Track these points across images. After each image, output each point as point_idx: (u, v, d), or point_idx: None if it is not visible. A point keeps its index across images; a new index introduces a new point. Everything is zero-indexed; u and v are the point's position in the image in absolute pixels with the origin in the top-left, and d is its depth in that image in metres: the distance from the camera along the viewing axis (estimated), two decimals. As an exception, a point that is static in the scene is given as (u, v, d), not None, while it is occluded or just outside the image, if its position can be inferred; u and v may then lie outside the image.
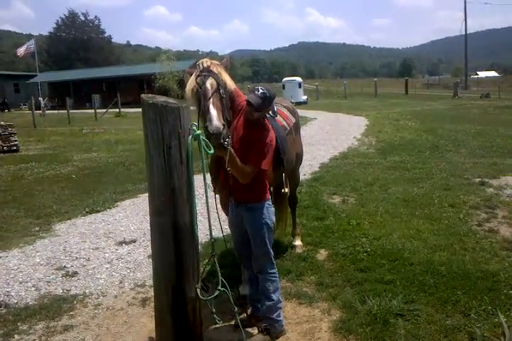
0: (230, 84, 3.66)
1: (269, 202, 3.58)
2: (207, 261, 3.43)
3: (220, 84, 3.40)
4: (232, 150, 3.17)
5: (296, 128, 5.14)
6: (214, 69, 3.47)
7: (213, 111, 3.19)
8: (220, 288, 3.04)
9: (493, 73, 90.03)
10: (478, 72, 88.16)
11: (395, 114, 23.73)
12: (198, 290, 2.97)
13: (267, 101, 3.37)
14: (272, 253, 3.64)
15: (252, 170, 3.33)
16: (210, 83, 3.35)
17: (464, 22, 56.88)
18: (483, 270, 4.53)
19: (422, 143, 13.54)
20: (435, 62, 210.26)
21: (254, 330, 3.73)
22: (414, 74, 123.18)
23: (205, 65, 3.49)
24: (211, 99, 3.27)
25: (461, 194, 7.46)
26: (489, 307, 3.80)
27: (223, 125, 3.14)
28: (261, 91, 3.36)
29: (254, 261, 3.66)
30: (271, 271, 3.64)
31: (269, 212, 3.56)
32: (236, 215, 3.66)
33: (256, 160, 3.34)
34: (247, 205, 3.55)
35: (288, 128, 4.61)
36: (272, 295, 3.62)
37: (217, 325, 3.71)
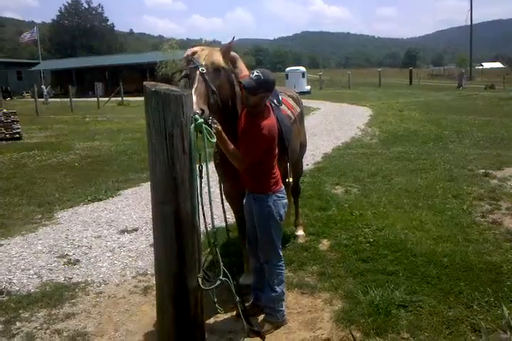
0: (242, 70, 3.62)
1: (278, 194, 3.51)
2: (208, 250, 3.42)
3: (208, 68, 3.30)
4: (222, 133, 3.16)
5: (301, 117, 5.10)
6: (202, 54, 3.36)
7: (194, 97, 3.13)
8: (221, 277, 3.03)
9: (497, 64, 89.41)
10: (482, 63, 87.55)
11: (399, 105, 23.61)
12: (200, 279, 2.95)
13: (261, 84, 3.24)
14: (279, 245, 3.62)
15: (242, 159, 3.29)
16: (196, 74, 3.28)
17: (469, 12, 56.45)
18: (487, 261, 4.51)
19: (426, 133, 13.47)
20: (440, 52, 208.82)
21: (256, 320, 3.73)
22: (418, 64, 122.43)
23: (189, 52, 3.42)
24: (195, 85, 3.22)
25: (464, 185, 7.42)
26: (492, 299, 3.79)
27: (201, 110, 3.10)
28: (255, 74, 3.26)
29: (260, 251, 3.65)
30: (277, 264, 3.63)
31: (277, 204, 3.49)
32: (247, 202, 3.65)
33: (243, 150, 3.30)
34: (254, 195, 3.53)
35: (293, 118, 4.57)
36: (276, 287, 3.61)
37: (218, 315, 3.72)
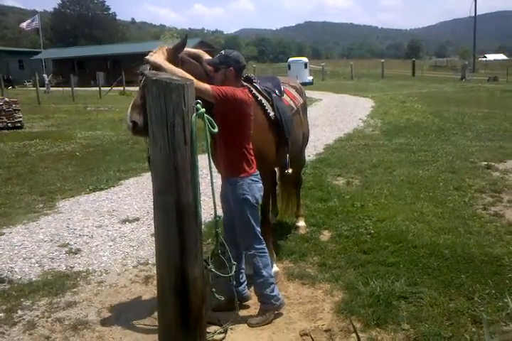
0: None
1: (252, 178, 3.51)
2: (210, 240, 3.42)
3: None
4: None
5: (304, 108, 5.08)
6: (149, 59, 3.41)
7: (129, 109, 3.34)
8: (233, 262, 3.09)
9: (501, 56, 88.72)
10: (486, 55, 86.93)
11: (402, 96, 23.51)
12: (213, 269, 3.01)
13: (221, 59, 3.44)
14: (258, 229, 3.60)
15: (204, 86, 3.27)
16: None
17: (473, 3, 55.92)
18: (488, 254, 4.51)
19: (428, 125, 13.43)
20: (443, 43, 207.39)
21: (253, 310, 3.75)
22: (421, 55, 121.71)
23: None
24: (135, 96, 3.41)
25: (466, 177, 7.41)
26: (493, 291, 3.79)
27: (133, 122, 3.30)
28: (220, 52, 3.51)
29: (239, 237, 3.65)
30: (258, 247, 3.60)
31: (252, 188, 3.50)
32: (223, 189, 3.67)
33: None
34: (228, 180, 3.54)
35: (295, 109, 4.55)
36: (262, 271, 3.59)
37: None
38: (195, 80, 3.15)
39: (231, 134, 3.42)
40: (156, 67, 3.30)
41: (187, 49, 3.69)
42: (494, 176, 7.49)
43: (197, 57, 3.71)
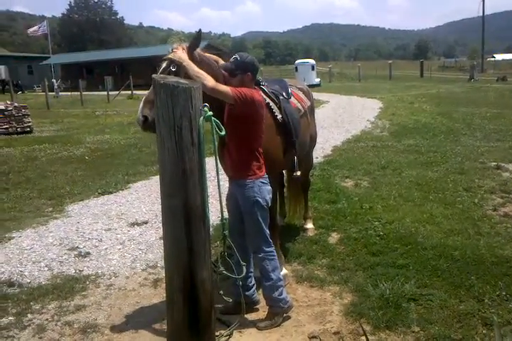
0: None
1: (262, 180, 3.51)
2: (218, 242, 3.43)
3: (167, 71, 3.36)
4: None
5: (311, 110, 5.07)
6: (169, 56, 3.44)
7: (141, 104, 3.35)
8: (243, 263, 3.11)
9: (510, 56, 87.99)
10: (494, 55, 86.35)
11: (410, 97, 23.42)
12: (224, 271, 3.02)
13: (238, 65, 3.41)
14: (267, 231, 3.59)
15: (224, 89, 3.29)
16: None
17: (481, 3, 55.64)
18: (498, 255, 4.47)
19: (437, 126, 13.36)
20: (451, 44, 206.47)
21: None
22: (429, 56, 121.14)
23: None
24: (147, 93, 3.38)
25: (476, 178, 7.36)
26: (503, 293, 3.75)
27: (144, 116, 3.31)
28: (233, 57, 3.45)
29: (249, 240, 3.64)
30: (267, 250, 3.59)
31: (262, 190, 3.49)
32: (231, 191, 3.66)
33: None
34: (237, 182, 3.53)
35: (302, 111, 4.54)
36: (271, 274, 3.58)
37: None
38: (215, 82, 3.19)
39: (244, 136, 3.43)
40: (178, 65, 3.32)
41: (206, 54, 3.71)
42: (504, 177, 7.43)
43: (217, 61, 3.75)
